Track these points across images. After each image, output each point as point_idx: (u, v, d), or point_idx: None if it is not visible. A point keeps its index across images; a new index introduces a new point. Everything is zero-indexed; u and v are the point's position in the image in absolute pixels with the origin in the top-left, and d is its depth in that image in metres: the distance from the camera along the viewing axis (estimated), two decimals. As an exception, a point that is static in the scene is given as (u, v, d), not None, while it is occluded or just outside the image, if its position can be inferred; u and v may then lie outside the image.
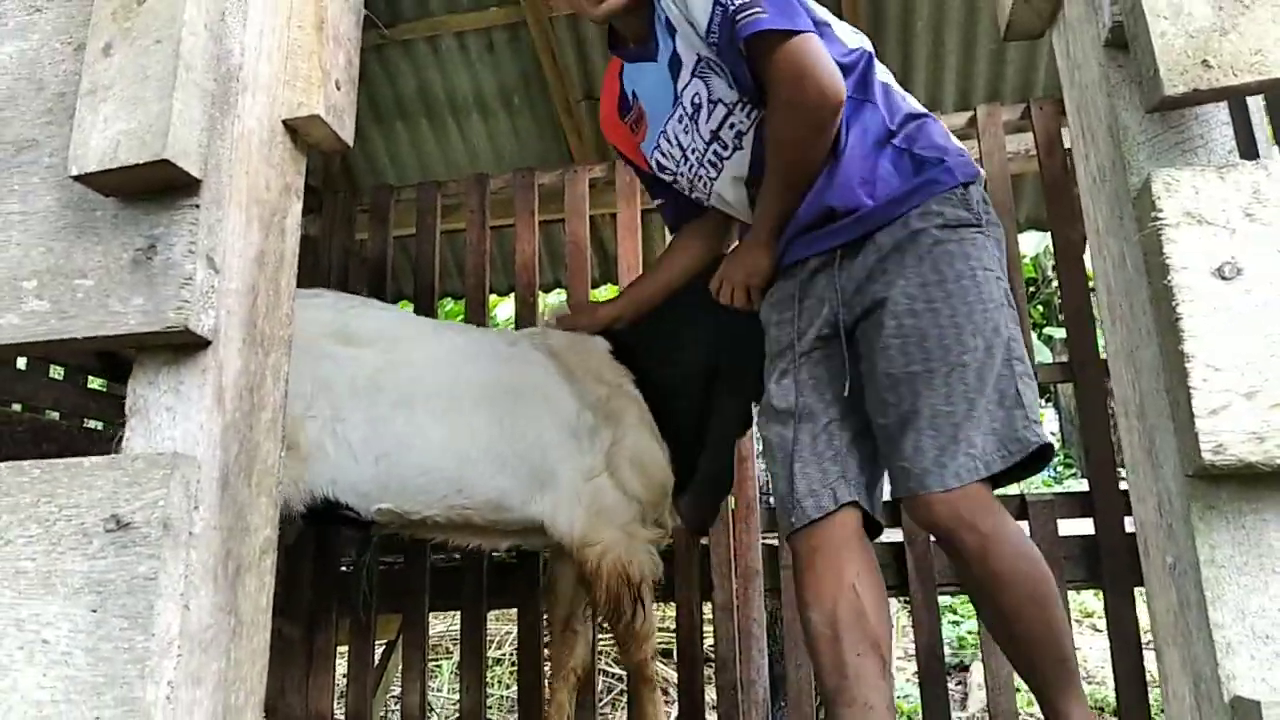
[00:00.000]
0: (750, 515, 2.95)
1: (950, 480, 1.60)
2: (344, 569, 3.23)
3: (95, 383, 3.78)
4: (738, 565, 2.93)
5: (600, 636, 2.82)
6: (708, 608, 2.97)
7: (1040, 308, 9.83)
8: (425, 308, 3.52)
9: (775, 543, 2.96)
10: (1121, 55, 0.87)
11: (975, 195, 1.77)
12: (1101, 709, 3.94)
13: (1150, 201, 0.78)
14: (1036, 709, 1.82)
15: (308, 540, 3.06)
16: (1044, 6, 1.02)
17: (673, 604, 3.04)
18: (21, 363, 3.30)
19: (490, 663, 4.35)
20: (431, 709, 4.52)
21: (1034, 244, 8.25)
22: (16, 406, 3.21)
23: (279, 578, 0.98)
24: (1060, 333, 7.84)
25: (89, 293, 0.90)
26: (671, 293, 2.35)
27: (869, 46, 1.91)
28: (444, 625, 5.06)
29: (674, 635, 3.09)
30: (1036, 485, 6.59)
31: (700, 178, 2.02)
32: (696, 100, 1.93)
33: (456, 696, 3.97)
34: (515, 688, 3.27)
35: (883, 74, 1.90)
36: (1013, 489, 2.51)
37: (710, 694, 3.39)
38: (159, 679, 0.78)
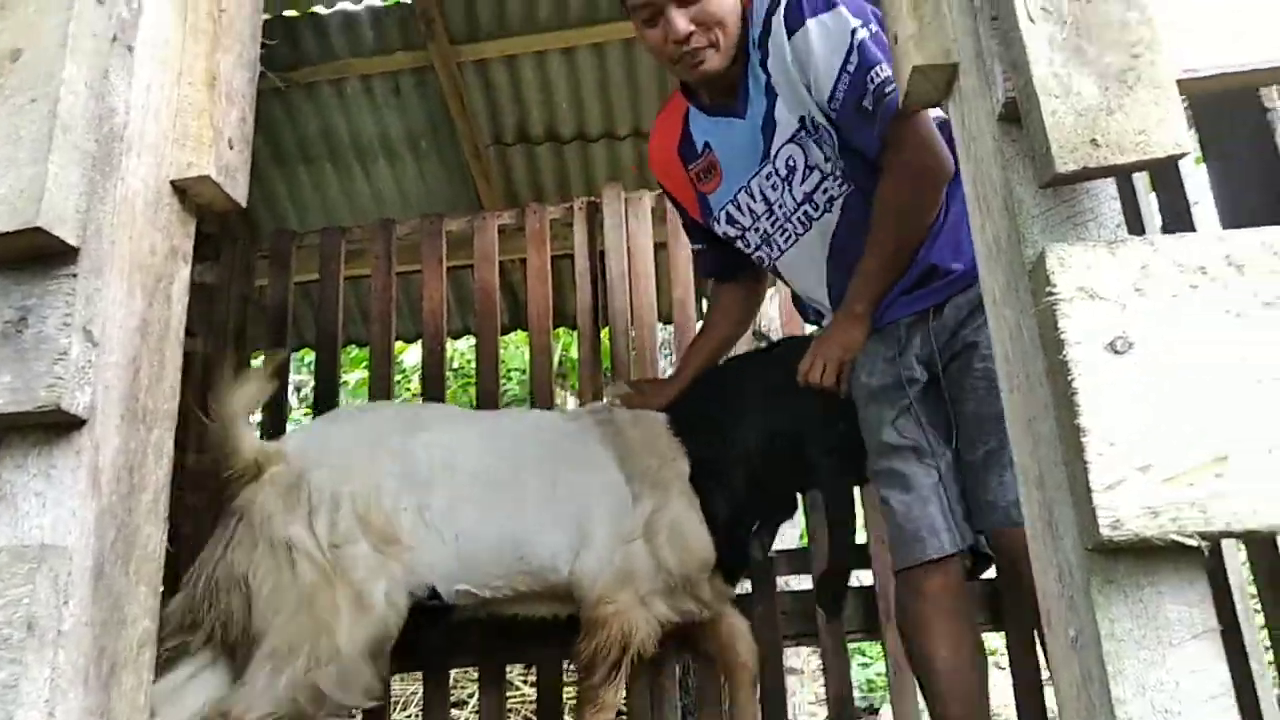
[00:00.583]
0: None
1: None
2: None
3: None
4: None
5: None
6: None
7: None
8: (327, 355, 3.43)
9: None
10: (1015, 129, 0.90)
11: None
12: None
13: (1045, 276, 0.80)
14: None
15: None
16: (939, 78, 1.04)
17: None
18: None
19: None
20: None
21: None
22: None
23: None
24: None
25: (-49, 367, 0.84)
26: (720, 357, 2.49)
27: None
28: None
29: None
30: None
31: (785, 232, 2.08)
32: (791, 164, 2.00)
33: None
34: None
35: None
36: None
37: (624, 747, 3.33)
38: (21, 792, 0.71)
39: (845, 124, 1.89)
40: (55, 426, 0.83)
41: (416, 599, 2.28)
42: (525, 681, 4.87)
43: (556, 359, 7.73)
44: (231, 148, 1.03)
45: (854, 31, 1.81)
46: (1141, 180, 2.43)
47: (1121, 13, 0.83)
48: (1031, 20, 0.84)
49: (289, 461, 2.30)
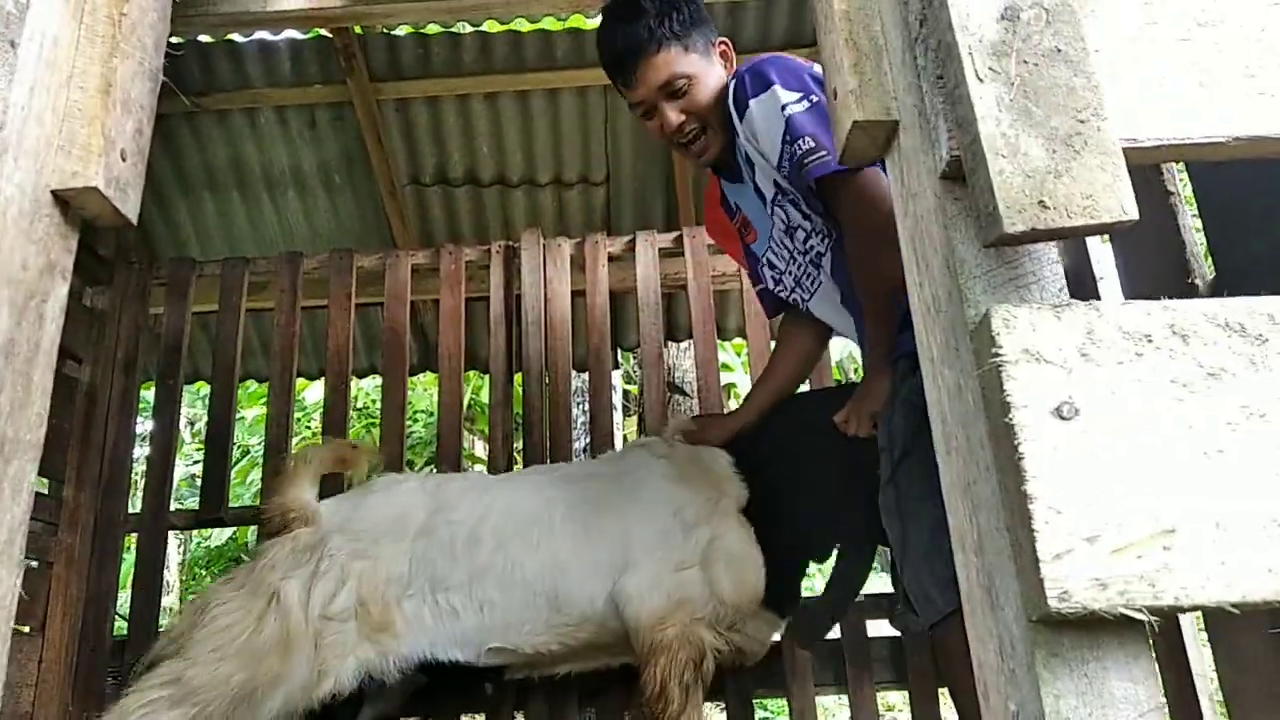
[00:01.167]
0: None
1: None
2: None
3: None
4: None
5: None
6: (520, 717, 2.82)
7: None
8: (224, 388, 3.27)
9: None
10: (958, 188, 0.88)
11: None
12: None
13: (990, 337, 0.77)
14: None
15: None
16: (880, 134, 1.02)
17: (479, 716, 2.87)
18: None
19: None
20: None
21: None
22: None
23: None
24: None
25: None
26: (788, 394, 2.51)
27: None
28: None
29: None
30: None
31: (809, 277, 2.22)
32: (784, 222, 2.18)
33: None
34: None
35: None
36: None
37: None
38: None
39: (795, 189, 2.05)
40: (-106, 458, 0.72)
41: (389, 676, 2.26)
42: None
43: (466, 403, 7.60)
44: (124, 159, 0.94)
45: (784, 108, 1.96)
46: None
47: (1068, 77, 0.82)
48: (980, 79, 0.83)
49: (319, 524, 2.35)
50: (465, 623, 2.28)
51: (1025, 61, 0.82)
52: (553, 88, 3.96)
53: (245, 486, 8.76)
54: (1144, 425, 0.74)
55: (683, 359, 5.50)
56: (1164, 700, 0.71)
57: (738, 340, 5.85)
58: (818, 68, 2.07)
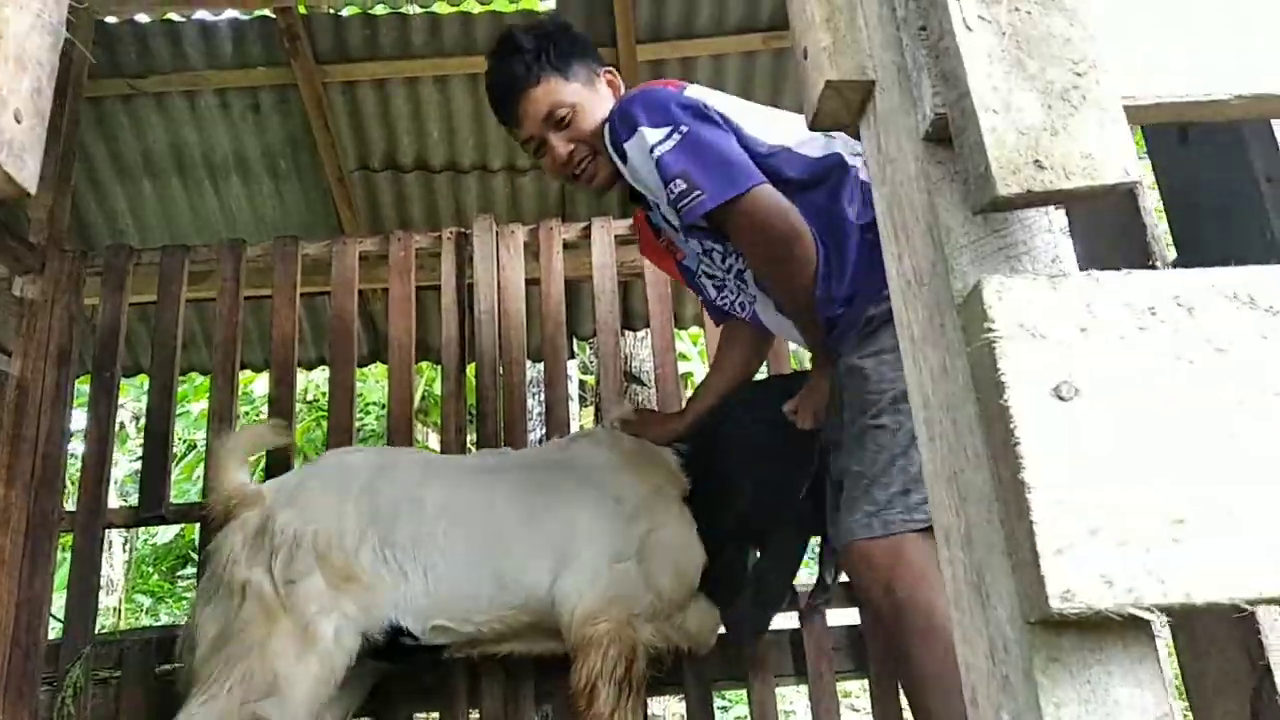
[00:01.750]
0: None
1: None
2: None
3: None
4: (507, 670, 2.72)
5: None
6: (475, 716, 2.73)
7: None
8: (164, 382, 3.13)
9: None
10: (942, 151, 0.81)
11: None
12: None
13: (981, 311, 0.71)
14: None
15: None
16: (854, 97, 0.95)
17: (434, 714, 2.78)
18: None
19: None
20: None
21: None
22: None
23: None
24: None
25: None
26: (728, 396, 2.47)
27: (837, 146, 2.03)
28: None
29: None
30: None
31: (742, 290, 2.20)
32: (699, 248, 2.17)
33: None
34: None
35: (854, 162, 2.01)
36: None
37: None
38: None
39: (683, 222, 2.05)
40: None
41: (374, 641, 2.25)
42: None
43: (418, 394, 7.45)
44: (18, 121, 0.84)
45: (653, 150, 1.93)
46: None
47: (1064, 26, 0.75)
48: (969, 29, 0.76)
49: (263, 504, 2.33)
50: (414, 586, 2.24)
51: (1017, 9, 0.75)
52: (506, 70, 3.85)
53: (192, 482, 8.53)
54: (1148, 406, 0.68)
55: (639, 348, 5.43)
56: (1172, 705, 0.65)
57: (694, 329, 5.79)
58: (690, 90, 2.05)
